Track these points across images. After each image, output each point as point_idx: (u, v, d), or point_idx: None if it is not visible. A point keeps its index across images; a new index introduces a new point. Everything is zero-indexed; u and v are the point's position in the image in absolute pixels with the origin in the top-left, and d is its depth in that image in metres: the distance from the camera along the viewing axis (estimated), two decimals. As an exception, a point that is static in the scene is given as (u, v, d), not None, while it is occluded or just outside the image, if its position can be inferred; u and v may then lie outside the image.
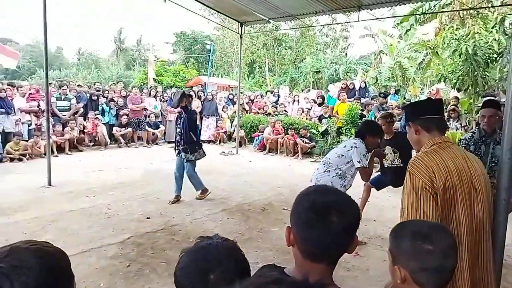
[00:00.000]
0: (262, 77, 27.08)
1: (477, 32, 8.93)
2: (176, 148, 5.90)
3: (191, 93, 12.55)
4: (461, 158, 1.70)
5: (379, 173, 5.01)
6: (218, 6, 9.78)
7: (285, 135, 10.60)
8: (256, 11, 9.19)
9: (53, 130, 9.29)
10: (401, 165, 4.40)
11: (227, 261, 0.93)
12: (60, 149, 9.60)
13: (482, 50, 8.64)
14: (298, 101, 13.40)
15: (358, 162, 3.72)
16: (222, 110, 12.90)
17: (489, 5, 9.15)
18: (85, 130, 10.59)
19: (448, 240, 1.08)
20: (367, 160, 3.77)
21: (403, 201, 1.64)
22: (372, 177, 4.83)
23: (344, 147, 3.92)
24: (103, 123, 10.93)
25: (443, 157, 1.66)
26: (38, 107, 9.86)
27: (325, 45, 32.24)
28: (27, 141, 9.08)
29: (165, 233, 4.51)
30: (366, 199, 4.94)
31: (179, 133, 5.78)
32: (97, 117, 10.76)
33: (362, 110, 10.21)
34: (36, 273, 0.78)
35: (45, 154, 7.79)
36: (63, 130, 9.83)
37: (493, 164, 3.34)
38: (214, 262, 0.92)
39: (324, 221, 0.95)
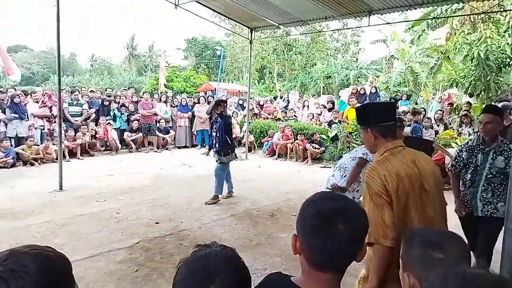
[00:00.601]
0: (272, 83, 27.11)
1: (489, 37, 8.82)
2: (212, 150, 6.30)
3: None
4: (411, 162, 1.81)
5: None
6: (229, 13, 9.85)
7: (294, 140, 10.56)
8: (266, 17, 9.22)
9: (65, 135, 9.42)
10: None
11: (226, 270, 0.91)
12: (72, 154, 9.72)
13: (494, 55, 8.52)
14: (308, 106, 13.37)
15: (363, 154, 3.80)
16: (232, 115, 12.92)
17: (501, 9, 9.02)
18: (96, 135, 10.72)
19: (459, 249, 1.04)
20: (370, 157, 3.76)
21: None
22: None
23: (356, 151, 3.94)
24: (115, 128, 11.05)
25: (394, 164, 1.77)
26: (50, 112, 10.01)
27: (335, 50, 32.19)
28: (39, 145, 9.23)
29: (173, 238, 4.52)
30: None
31: (215, 136, 6.13)
32: (109, 123, 10.89)
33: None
34: (34, 278, 0.78)
35: (57, 159, 7.89)
36: (75, 135, 9.96)
37: (491, 176, 3.07)
38: (213, 272, 0.90)
39: (330, 228, 0.94)
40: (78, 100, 10.54)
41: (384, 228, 1.69)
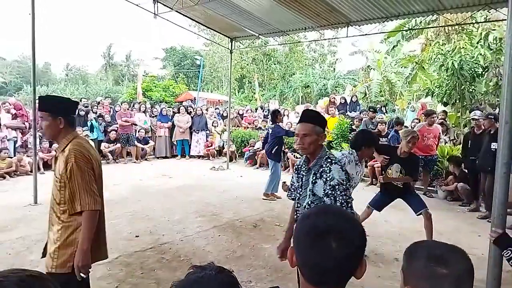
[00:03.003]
0: (252, 92, 27.24)
1: (463, 47, 9.14)
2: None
3: (190, 108, 12.88)
4: (93, 148, 2.38)
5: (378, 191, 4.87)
6: (209, 22, 9.86)
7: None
8: (246, 27, 9.29)
9: (40, 147, 9.11)
10: (401, 187, 4.40)
11: None
12: (47, 166, 9.41)
13: (468, 65, 8.82)
14: (287, 115, 13.45)
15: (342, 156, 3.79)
16: (212, 125, 12.88)
17: (473, 21, 9.38)
18: (72, 146, 10.40)
19: (464, 265, 1.01)
20: None
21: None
22: (372, 199, 4.78)
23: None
24: (92, 139, 10.78)
25: (90, 147, 2.30)
26: (24, 123, 9.68)
27: (313, 60, 32.71)
28: (12, 158, 8.89)
29: (154, 252, 4.40)
30: (363, 220, 4.82)
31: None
32: (86, 134, 10.60)
33: (351, 124, 10.28)
34: None
35: (31, 172, 7.62)
36: (50, 146, 9.65)
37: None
38: None
39: (323, 246, 0.90)
40: (53, 110, 10.22)
41: (95, 196, 2.18)
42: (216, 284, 0.88)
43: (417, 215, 4.40)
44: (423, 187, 7.58)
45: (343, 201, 2.19)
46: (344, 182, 2.22)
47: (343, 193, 2.20)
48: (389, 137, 8.31)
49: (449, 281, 0.98)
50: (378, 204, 4.68)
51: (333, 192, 2.20)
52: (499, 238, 2.10)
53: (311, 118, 2.40)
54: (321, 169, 2.28)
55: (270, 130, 7.37)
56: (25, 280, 0.79)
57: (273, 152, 7.19)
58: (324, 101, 15.20)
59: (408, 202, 4.49)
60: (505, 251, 1.90)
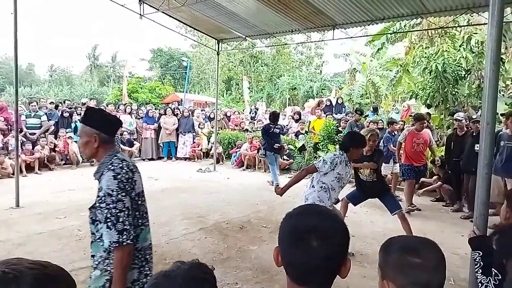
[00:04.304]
0: (240, 94, 27.24)
1: (446, 50, 9.32)
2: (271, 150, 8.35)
3: (176, 110, 12.88)
4: None
5: (355, 188, 5.04)
6: (196, 24, 9.82)
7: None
8: (233, 29, 9.28)
9: (22, 149, 8.93)
10: (376, 179, 4.58)
11: None
12: (30, 168, 9.21)
13: (451, 68, 8.99)
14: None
15: (317, 161, 3.92)
16: (199, 127, 12.82)
17: (456, 25, 9.58)
18: (56, 149, 10.23)
19: (436, 255, 1.06)
20: (326, 168, 3.81)
21: None
22: (349, 192, 4.99)
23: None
24: (76, 141, 10.60)
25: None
26: (6, 125, 9.47)
27: (300, 62, 32.90)
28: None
29: (140, 254, 4.34)
30: (343, 215, 4.95)
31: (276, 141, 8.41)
32: (70, 136, 10.43)
33: (337, 126, 10.37)
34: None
35: (13, 174, 7.45)
36: (33, 148, 9.46)
37: None
38: None
39: (304, 246, 0.90)
40: (36, 111, 10.04)
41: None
42: (187, 278, 0.89)
43: (392, 215, 4.54)
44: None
45: (109, 216, 1.78)
46: (114, 193, 1.80)
47: (110, 205, 1.78)
48: (382, 139, 8.15)
49: (422, 270, 1.02)
50: (354, 199, 4.90)
51: (100, 205, 1.82)
52: (474, 238, 2.14)
53: (84, 117, 2.06)
54: (101, 177, 1.90)
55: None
56: (40, 278, 0.73)
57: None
58: (316, 102, 15.24)
59: (384, 202, 4.64)
60: (473, 252, 1.94)
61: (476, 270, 1.79)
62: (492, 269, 1.61)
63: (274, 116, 8.61)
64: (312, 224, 0.93)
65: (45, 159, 9.69)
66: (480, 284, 1.71)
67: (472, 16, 8.66)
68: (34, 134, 9.79)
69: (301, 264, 0.92)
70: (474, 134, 6.09)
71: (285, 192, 3.92)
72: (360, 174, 4.71)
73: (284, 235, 0.96)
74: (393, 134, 7.89)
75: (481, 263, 1.80)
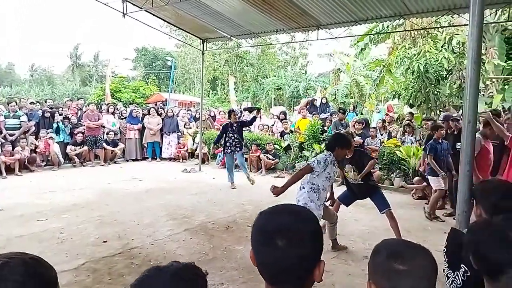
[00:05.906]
0: (225, 94, 27.15)
1: (428, 51, 9.49)
2: (229, 148, 8.15)
3: (160, 110, 12.79)
4: None
5: (346, 188, 5.05)
6: (180, 23, 9.73)
7: (248, 151, 10.56)
8: (217, 28, 9.24)
9: (2, 150, 8.70)
10: (362, 182, 4.56)
11: None
12: (9, 169, 8.97)
13: (433, 68, 9.16)
14: (260, 117, 13.46)
15: (311, 162, 3.98)
16: (185, 127, 12.71)
17: (438, 26, 9.76)
18: (36, 150, 9.99)
19: (423, 262, 1.03)
20: (321, 168, 3.89)
21: None
22: (340, 193, 5.00)
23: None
24: (58, 142, 10.38)
25: None
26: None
27: (285, 62, 33.03)
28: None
29: (123, 257, 4.27)
30: (336, 211, 4.98)
31: (235, 138, 8.13)
32: (51, 137, 10.19)
33: (322, 125, 10.43)
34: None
35: (-9, 176, 7.26)
36: (13, 149, 9.21)
37: None
38: None
39: (272, 245, 0.88)
40: (16, 112, 9.78)
41: None
42: (177, 275, 0.89)
43: (381, 213, 4.59)
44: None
45: None
46: None
47: None
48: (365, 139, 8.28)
49: (406, 277, 0.99)
50: (346, 200, 4.96)
51: None
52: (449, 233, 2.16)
53: None
54: None
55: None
56: (28, 262, 0.89)
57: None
58: (305, 101, 15.30)
59: (373, 201, 4.67)
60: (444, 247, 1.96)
61: (444, 264, 1.81)
62: (462, 265, 1.62)
63: (229, 115, 8.63)
64: (279, 223, 0.91)
65: (26, 160, 9.45)
66: (446, 278, 1.72)
67: (453, 17, 8.84)
68: (13, 134, 9.53)
69: (270, 264, 0.90)
70: (455, 133, 6.20)
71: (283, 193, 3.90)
72: (346, 176, 4.72)
73: (255, 234, 0.95)
74: (440, 142, 6.00)
75: (447, 258, 1.83)
